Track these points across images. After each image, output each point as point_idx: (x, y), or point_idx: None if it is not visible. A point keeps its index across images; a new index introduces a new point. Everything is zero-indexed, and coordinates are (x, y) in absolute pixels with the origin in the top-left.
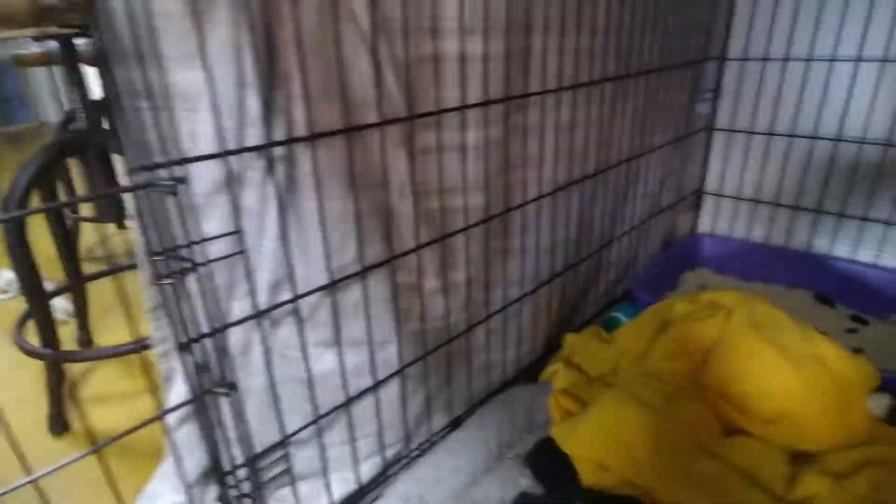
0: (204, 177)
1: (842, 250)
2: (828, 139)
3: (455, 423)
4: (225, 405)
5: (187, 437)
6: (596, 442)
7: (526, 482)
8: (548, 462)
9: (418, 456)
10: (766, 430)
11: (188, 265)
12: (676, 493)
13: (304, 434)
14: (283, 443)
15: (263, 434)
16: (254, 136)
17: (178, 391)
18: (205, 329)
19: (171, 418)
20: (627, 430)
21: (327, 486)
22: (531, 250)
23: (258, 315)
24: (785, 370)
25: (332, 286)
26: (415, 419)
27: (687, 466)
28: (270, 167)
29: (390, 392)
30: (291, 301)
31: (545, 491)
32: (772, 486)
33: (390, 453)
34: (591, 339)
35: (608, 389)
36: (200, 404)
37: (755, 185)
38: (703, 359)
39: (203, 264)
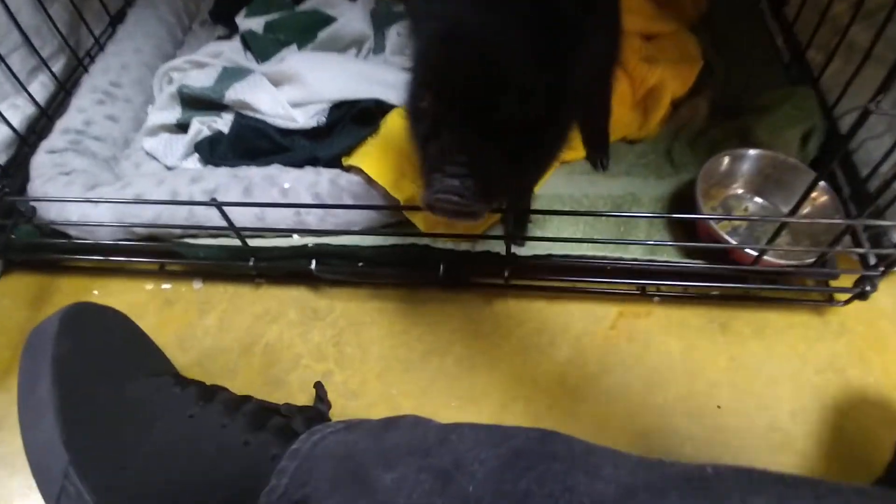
0: None
1: None
2: None
3: (118, 18)
4: None
5: None
6: None
7: (220, 33)
8: (233, 6)
9: (91, 63)
10: None
11: None
12: None
13: None
14: None
15: None
16: None
17: None
18: None
19: None
20: None
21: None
22: None
23: None
24: None
25: None
26: (69, 27)
27: None
28: None
29: None
30: None
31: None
32: None
33: (58, 68)
34: None
35: None
36: None
37: None
38: None
39: None
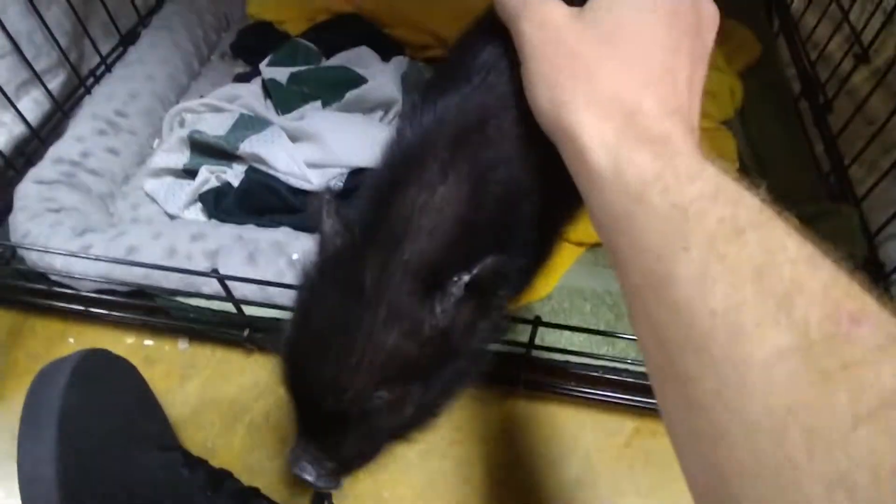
0: None
1: None
2: None
3: (130, 38)
4: None
5: None
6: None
7: (240, 69)
8: (256, 43)
9: (95, 84)
10: None
11: None
12: None
13: None
14: None
15: None
16: None
17: None
18: None
19: None
20: None
21: None
22: None
23: None
24: None
25: None
26: (70, 40)
27: None
28: None
29: None
30: None
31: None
32: None
33: (55, 85)
34: None
35: None
36: None
37: None
38: None
39: None
